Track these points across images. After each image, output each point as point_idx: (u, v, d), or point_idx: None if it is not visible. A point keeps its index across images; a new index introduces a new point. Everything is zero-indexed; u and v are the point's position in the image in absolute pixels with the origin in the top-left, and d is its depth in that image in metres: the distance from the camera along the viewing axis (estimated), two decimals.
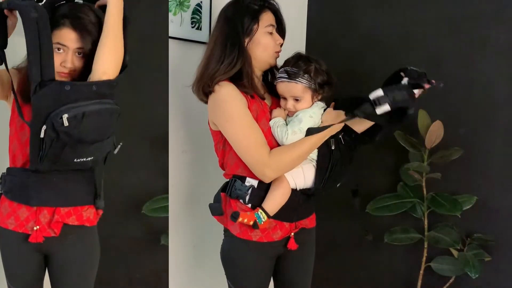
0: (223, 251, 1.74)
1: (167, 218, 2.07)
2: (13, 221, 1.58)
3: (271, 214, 1.62)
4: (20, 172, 1.58)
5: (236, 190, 1.64)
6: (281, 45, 1.72)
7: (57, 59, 1.49)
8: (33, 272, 1.64)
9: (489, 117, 2.24)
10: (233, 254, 1.70)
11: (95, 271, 1.71)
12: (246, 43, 1.64)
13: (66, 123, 1.41)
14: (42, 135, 1.42)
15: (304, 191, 1.67)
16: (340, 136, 1.68)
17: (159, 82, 2.03)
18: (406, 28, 2.41)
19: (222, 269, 1.75)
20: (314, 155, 1.65)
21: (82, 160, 1.52)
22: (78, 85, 1.46)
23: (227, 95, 1.60)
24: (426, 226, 2.26)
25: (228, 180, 1.70)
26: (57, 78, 1.51)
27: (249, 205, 1.64)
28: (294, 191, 1.65)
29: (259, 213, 1.60)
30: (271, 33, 1.67)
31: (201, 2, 2.12)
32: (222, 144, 1.68)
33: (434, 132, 2.13)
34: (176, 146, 2.09)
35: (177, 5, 2.04)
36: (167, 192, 2.07)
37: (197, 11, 2.11)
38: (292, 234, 1.70)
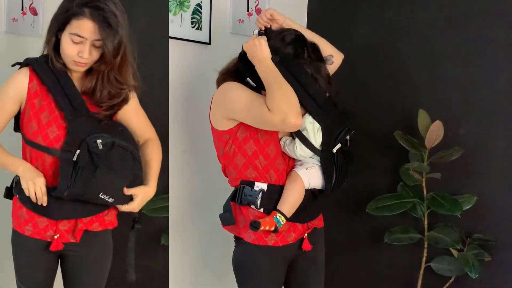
0: (236, 260, 1.71)
1: (167, 218, 2.07)
2: (31, 227, 1.56)
3: (289, 215, 1.61)
4: None
5: (247, 196, 1.62)
6: None
7: (75, 49, 1.49)
8: (46, 273, 1.62)
9: (489, 117, 2.24)
10: (248, 261, 1.67)
11: (107, 272, 1.71)
12: None
13: (100, 147, 1.49)
14: (74, 158, 1.47)
15: (313, 191, 1.67)
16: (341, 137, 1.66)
17: (159, 82, 2.03)
18: (406, 28, 2.41)
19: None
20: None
21: (105, 197, 1.53)
22: (111, 122, 1.59)
23: (229, 84, 1.63)
24: (426, 226, 2.26)
25: (235, 188, 1.67)
26: (74, 67, 1.53)
27: (261, 210, 1.62)
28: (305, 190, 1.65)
29: (277, 217, 1.59)
30: None
31: (201, 2, 2.12)
32: (228, 146, 1.64)
33: (434, 132, 2.13)
34: (176, 146, 2.09)
35: (177, 5, 2.04)
36: (167, 192, 2.06)
37: (197, 11, 2.11)
38: (306, 235, 1.70)
